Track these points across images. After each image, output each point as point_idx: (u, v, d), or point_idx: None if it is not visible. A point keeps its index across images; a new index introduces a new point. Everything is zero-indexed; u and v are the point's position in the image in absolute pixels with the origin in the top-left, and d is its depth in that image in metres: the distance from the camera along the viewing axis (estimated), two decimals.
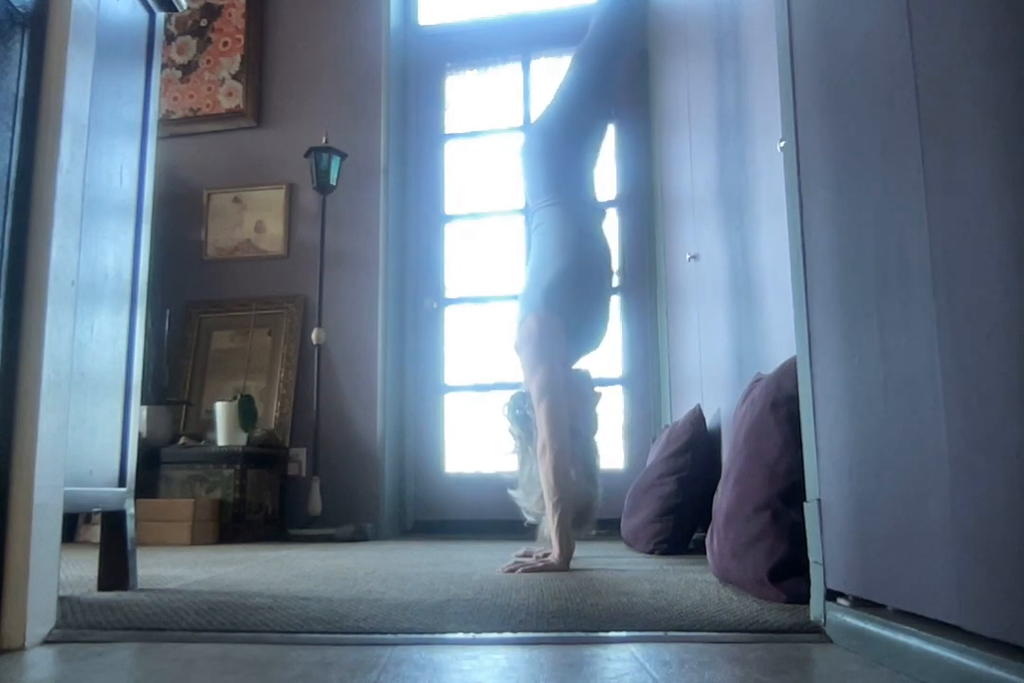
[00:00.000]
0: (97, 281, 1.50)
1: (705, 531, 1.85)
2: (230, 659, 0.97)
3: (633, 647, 1.03)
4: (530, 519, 2.23)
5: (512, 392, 2.31)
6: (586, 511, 2.17)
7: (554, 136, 2.42)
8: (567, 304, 2.23)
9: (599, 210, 2.45)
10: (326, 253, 3.83)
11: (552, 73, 4.13)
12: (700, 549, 2.26)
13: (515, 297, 2.40)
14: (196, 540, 3.06)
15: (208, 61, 4.15)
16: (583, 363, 2.36)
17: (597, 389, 2.35)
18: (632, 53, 2.56)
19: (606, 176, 3.98)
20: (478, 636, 1.10)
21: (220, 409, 3.40)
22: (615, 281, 3.82)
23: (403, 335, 4.04)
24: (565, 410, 2.13)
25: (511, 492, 2.26)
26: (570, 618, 1.20)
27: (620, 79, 2.66)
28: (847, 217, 1.04)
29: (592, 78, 2.47)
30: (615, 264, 2.50)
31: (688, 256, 2.99)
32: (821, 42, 1.14)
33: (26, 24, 1.17)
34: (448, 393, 4.03)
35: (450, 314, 4.10)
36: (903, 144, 0.87)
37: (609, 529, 3.18)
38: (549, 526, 2.05)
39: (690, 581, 1.68)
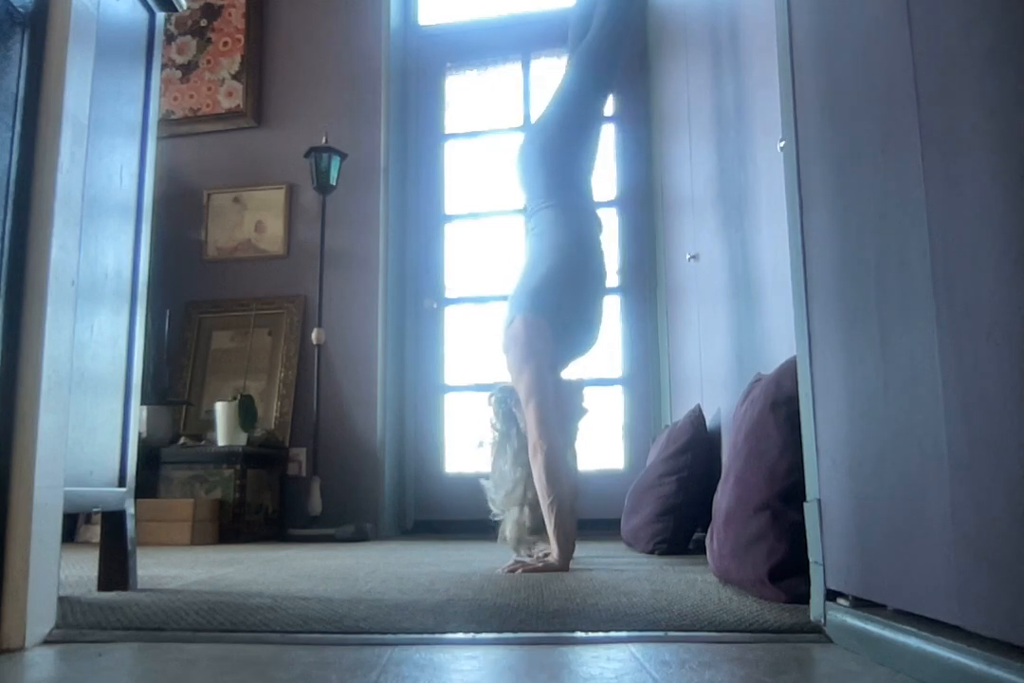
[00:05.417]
0: (97, 281, 1.50)
1: (705, 531, 1.85)
2: (230, 659, 0.97)
3: (633, 647, 1.03)
4: (495, 511, 2.22)
5: (502, 384, 2.28)
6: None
7: (553, 137, 2.42)
8: (554, 307, 2.22)
9: (596, 218, 2.44)
10: (326, 253, 3.83)
11: (552, 73, 4.13)
12: (700, 549, 2.26)
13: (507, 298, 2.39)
14: (196, 540, 3.06)
15: (208, 61, 4.15)
16: (578, 370, 2.35)
17: (586, 404, 2.33)
18: (631, 53, 2.54)
19: (606, 176, 3.98)
20: (478, 636, 1.10)
21: (220, 409, 3.40)
22: (611, 283, 3.82)
23: (403, 335, 4.04)
24: (554, 410, 2.12)
25: (483, 481, 2.24)
26: (570, 618, 1.20)
27: (620, 79, 2.64)
28: (847, 217, 1.04)
29: (593, 79, 2.46)
30: (610, 269, 2.49)
31: (688, 256, 2.99)
32: (821, 42, 1.14)
33: (26, 24, 1.17)
34: (448, 393, 4.03)
35: (450, 314, 4.10)
36: (903, 144, 0.87)
37: (609, 529, 3.18)
38: (547, 526, 2.05)
39: (690, 581, 1.67)
